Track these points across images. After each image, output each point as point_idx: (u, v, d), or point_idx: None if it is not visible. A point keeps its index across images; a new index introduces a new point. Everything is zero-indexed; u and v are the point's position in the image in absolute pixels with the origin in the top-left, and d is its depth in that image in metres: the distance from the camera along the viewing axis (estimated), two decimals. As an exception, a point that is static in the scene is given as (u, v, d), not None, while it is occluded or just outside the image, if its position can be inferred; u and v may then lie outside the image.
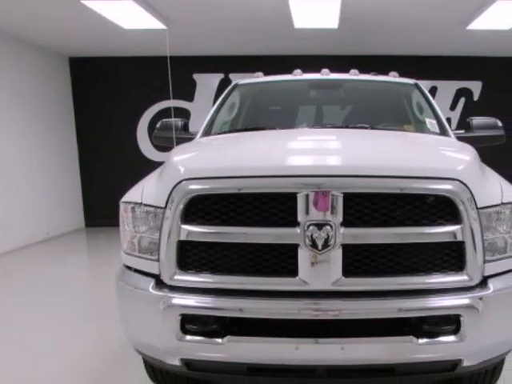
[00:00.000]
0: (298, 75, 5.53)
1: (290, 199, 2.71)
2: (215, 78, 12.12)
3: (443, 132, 4.66)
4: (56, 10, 8.42)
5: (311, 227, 2.66)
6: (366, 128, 4.35)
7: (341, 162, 3.07)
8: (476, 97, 12.18)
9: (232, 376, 3.16)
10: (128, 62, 12.10)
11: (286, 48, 11.08)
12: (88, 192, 12.72)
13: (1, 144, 9.80)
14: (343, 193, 2.67)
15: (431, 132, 4.68)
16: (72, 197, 12.36)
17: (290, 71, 5.62)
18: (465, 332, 2.75)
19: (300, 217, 2.69)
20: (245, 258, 2.83)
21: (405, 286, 2.78)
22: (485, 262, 2.82)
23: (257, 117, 5.51)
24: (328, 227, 2.66)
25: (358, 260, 2.77)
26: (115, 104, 12.26)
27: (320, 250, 2.67)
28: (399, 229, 2.74)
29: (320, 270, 2.72)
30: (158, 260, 2.92)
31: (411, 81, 5.53)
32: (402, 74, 5.73)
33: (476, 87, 12.14)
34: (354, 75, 5.50)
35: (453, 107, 12.15)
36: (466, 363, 2.87)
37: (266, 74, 5.76)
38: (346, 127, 4.53)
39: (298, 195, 2.68)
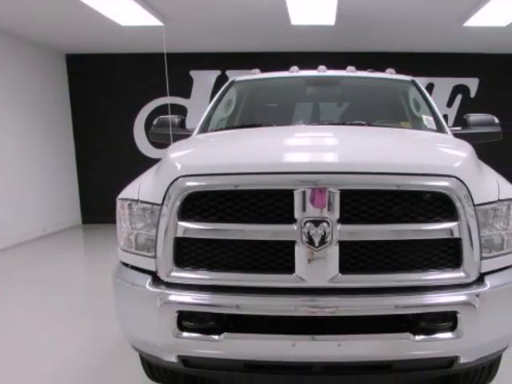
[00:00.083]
0: (295, 72, 5.52)
1: (286, 196, 2.71)
2: (212, 75, 12.13)
3: (440, 129, 4.66)
4: (52, 6, 8.41)
5: (308, 224, 2.66)
6: (363, 125, 4.35)
7: (338, 159, 3.07)
8: (473, 94, 12.21)
9: (229, 373, 3.15)
10: (125, 58, 12.11)
11: (283, 45, 11.09)
12: (85, 189, 12.73)
13: (-3, 141, 9.80)
14: (340, 189, 2.67)
15: (428, 129, 4.67)
16: (69, 193, 12.36)
17: (286, 68, 5.61)
18: (461, 329, 2.75)
19: (297, 213, 2.68)
20: (242, 255, 2.82)
21: (402, 282, 2.78)
22: (482, 258, 2.82)
23: (254, 114, 5.52)
24: (325, 224, 2.66)
25: (354, 257, 2.77)
26: (112, 101, 12.26)
27: (317, 247, 2.67)
28: (396, 226, 2.74)
29: (317, 267, 2.71)
30: (154, 257, 2.91)
31: (408, 77, 5.53)
32: (398, 71, 5.72)
33: (473, 84, 12.17)
34: (350, 72, 5.49)
35: (450, 104, 12.18)
36: (462, 360, 2.86)
37: (263, 70, 5.75)
38: (343, 124, 4.54)
39: (295, 192, 2.67)
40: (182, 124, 5.11)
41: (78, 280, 7.64)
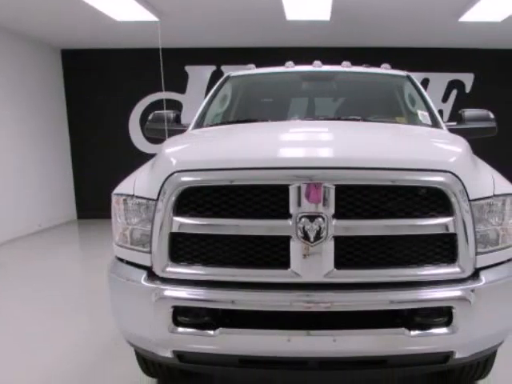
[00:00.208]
0: (290, 67, 5.51)
1: (282, 191, 2.71)
2: (207, 70, 12.11)
3: (435, 124, 4.66)
4: (48, 1, 8.37)
5: (303, 219, 2.66)
6: (358, 120, 4.34)
7: (333, 154, 3.07)
8: (468, 89, 12.20)
9: (224, 368, 3.15)
10: (120, 54, 12.06)
11: (279, 40, 11.07)
12: (80, 184, 12.69)
13: (-8, 136, 9.76)
14: (335, 185, 2.66)
15: (423, 124, 4.67)
16: (64, 189, 12.33)
17: (282, 63, 5.60)
18: (457, 324, 2.76)
19: (292, 209, 2.68)
20: (237, 250, 2.82)
21: (397, 278, 2.79)
22: (477, 254, 2.83)
23: (249, 109, 5.51)
24: (320, 219, 2.66)
25: (349, 252, 2.77)
26: (107, 96, 12.22)
27: (312, 242, 2.67)
28: (391, 221, 2.74)
29: (312, 262, 2.71)
30: (149, 252, 2.91)
31: (403, 73, 5.53)
32: (394, 66, 5.71)
33: (468, 79, 12.16)
34: (346, 67, 5.48)
35: (445, 99, 12.18)
36: (457, 355, 2.87)
37: (258, 66, 5.74)
38: (338, 119, 4.55)
39: (290, 187, 2.67)
40: (178, 119, 5.11)
41: (74, 275, 7.63)
